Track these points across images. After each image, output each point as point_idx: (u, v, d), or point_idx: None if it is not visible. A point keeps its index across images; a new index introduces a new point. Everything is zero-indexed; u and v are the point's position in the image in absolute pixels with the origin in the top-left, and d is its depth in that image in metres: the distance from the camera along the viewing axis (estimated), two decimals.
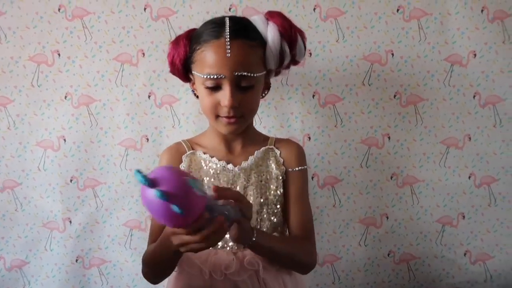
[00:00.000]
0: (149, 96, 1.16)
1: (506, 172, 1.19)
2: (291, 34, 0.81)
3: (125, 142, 1.17)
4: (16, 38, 1.14)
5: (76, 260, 1.21)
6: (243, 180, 0.85)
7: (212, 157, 0.86)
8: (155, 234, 0.83)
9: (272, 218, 0.87)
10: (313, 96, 1.16)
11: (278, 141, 0.91)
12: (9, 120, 1.16)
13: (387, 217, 1.21)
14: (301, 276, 0.91)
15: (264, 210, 0.85)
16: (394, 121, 1.18)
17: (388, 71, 1.16)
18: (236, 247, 0.84)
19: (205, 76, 0.76)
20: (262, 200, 0.85)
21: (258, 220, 0.85)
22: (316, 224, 1.20)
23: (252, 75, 0.76)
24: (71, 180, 1.18)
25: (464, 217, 1.21)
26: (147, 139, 1.16)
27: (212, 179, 0.85)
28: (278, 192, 0.87)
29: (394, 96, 1.17)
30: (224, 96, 0.76)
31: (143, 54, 1.14)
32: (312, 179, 1.18)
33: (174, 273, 0.85)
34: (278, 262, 0.83)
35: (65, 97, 1.16)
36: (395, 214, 1.21)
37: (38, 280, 1.21)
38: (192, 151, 0.88)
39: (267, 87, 0.88)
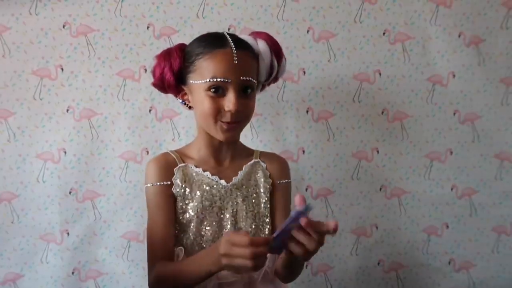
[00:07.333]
0: (150, 110, 1.20)
1: (484, 184, 1.27)
2: (278, 49, 0.90)
3: (125, 154, 1.20)
4: (20, 53, 1.17)
5: (73, 273, 1.20)
6: (235, 196, 0.89)
7: (204, 171, 0.88)
8: (160, 249, 0.86)
9: (263, 230, 0.91)
10: (307, 111, 1.23)
11: (263, 155, 0.96)
12: (9, 133, 1.18)
13: (377, 227, 1.27)
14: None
15: (257, 222, 0.90)
16: (382, 135, 1.26)
17: (376, 89, 1.25)
18: None
19: (210, 80, 0.79)
20: (255, 213, 0.90)
21: (253, 233, 0.89)
22: None
23: (254, 81, 0.84)
24: (70, 192, 1.19)
25: (448, 226, 1.28)
26: (147, 152, 1.20)
27: (205, 193, 0.87)
28: (268, 204, 0.91)
29: (382, 112, 1.25)
30: (229, 100, 0.80)
31: (145, 70, 1.19)
32: (306, 191, 1.23)
33: None
34: (295, 273, 0.89)
35: (67, 110, 1.19)
36: (384, 224, 1.27)
37: None
38: (184, 164, 0.88)
39: None
